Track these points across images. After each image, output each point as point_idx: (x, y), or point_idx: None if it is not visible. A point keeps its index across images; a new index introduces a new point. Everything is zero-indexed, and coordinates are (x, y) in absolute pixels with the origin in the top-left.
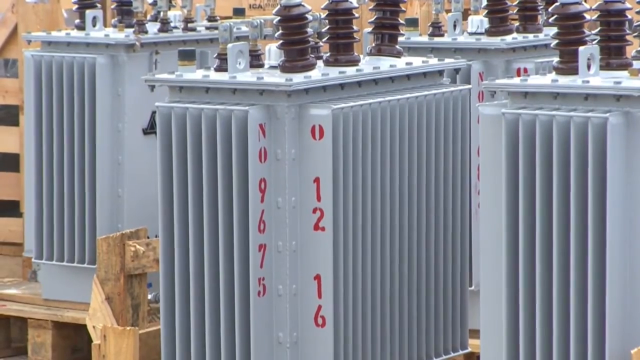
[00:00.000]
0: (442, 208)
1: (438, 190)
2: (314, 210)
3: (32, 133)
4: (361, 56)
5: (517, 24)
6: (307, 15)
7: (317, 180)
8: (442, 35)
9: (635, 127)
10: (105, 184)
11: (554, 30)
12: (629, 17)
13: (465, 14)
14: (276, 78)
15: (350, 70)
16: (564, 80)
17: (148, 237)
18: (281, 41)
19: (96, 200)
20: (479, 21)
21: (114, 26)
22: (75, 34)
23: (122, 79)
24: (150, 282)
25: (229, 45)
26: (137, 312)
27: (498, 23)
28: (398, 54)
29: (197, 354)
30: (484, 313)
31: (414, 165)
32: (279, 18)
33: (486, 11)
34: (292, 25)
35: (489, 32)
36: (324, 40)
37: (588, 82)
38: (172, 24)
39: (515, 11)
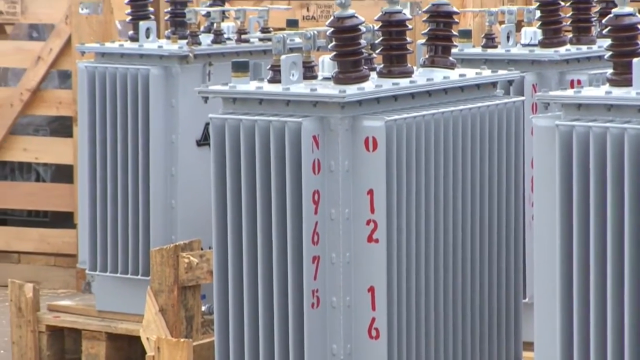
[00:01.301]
0: (496, 220)
1: (492, 202)
2: (368, 222)
3: (86, 144)
4: (414, 68)
5: (570, 35)
6: (360, 26)
7: (370, 192)
8: (496, 47)
9: None
10: (158, 195)
11: (607, 41)
12: None
13: (519, 26)
14: (329, 89)
15: (403, 82)
16: (618, 92)
17: (202, 249)
18: (334, 53)
19: (150, 212)
20: (532, 33)
21: (168, 37)
22: (129, 45)
23: (175, 90)
24: (204, 293)
25: (283, 57)
26: (191, 323)
27: (551, 34)
28: (451, 66)
29: None
30: (538, 325)
31: (467, 177)
32: (332, 29)
33: (539, 23)
34: (345, 37)
35: (543, 44)
36: (377, 51)
37: None
38: (225, 36)
39: (568, 23)
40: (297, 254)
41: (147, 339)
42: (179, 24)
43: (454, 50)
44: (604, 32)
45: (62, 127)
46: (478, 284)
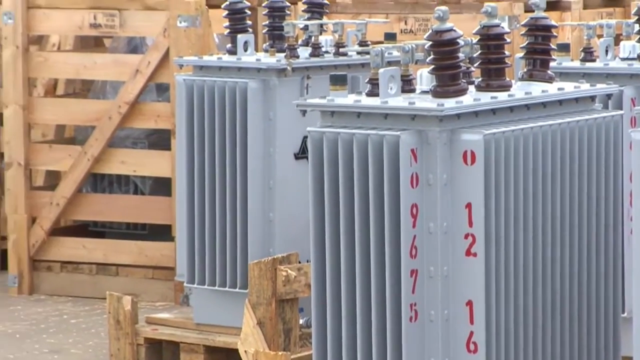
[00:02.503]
0: (595, 234)
1: (590, 217)
2: (466, 236)
3: (184, 157)
4: (513, 81)
5: None
6: (458, 40)
7: (468, 205)
8: (594, 61)
9: None
10: (256, 208)
11: None
12: None
13: (617, 39)
14: (428, 103)
15: (502, 96)
16: None
17: (299, 262)
18: (433, 66)
19: (248, 225)
20: (631, 47)
21: (266, 51)
22: (227, 58)
23: (273, 103)
24: (302, 307)
25: (381, 70)
26: (289, 336)
27: None
28: (550, 79)
29: None
30: (637, 339)
31: (565, 191)
32: (430, 43)
33: (638, 37)
34: (443, 50)
35: None
36: (475, 65)
37: None
38: (323, 49)
39: None
40: (395, 268)
41: (245, 351)
42: (277, 37)
43: (552, 64)
44: None
45: (160, 140)
46: (576, 297)
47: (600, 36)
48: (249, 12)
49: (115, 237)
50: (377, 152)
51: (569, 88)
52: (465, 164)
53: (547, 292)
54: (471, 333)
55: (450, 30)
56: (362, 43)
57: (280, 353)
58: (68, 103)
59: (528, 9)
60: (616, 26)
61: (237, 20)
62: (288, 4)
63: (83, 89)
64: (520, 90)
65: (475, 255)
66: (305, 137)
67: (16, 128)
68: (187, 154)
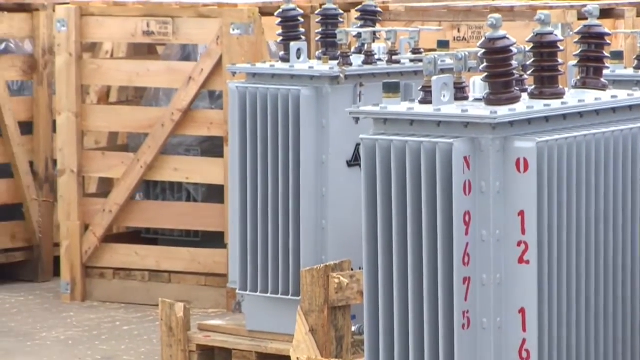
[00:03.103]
0: None
1: None
2: (519, 244)
3: (237, 164)
4: (566, 89)
5: None
6: (511, 47)
7: (521, 213)
8: None
9: None
10: (309, 215)
11: None
12: None
13: None
14: (481, 110)
15: (555, 103)
16: None
17: (352, 269)
18: (486, 74)
19: (300, 232)
20: None
21: (318, 58)
22: (280, 65)
23: (326, 110)
24: (354, 314)
25: (434, 78)
26: (341, 344)
27: None
28: (603, 87)
29: None
30: None
31: (618, 198)
32: (483, 51)
33: None
34: (496, 58)
35: None
36: (528, 73)
37: None
38: (376, 57)
39: None
40: (448, 275)
41: (298, 359)
42: (330, 45)
43: (605, 72)
44: None
45: (213, 147)
46: (629, 306)
47: None
48: (302, 19)
49: (167, 244)
50: (430, 159)
51: (623, 96)
52: (518, 172)
53: (600, 299)
54: (524, 340)
55: (504, 37)
56: (415, 51)
57: None
58: (121, 110)
59: (581, 17)
60: None
61: (290, 28)
62: (341, 11)
63: (136, 96)
64: (574, 98)
65: (528, 262)
66: (357, 145)
67: (69, 135)
68: (240, 161)
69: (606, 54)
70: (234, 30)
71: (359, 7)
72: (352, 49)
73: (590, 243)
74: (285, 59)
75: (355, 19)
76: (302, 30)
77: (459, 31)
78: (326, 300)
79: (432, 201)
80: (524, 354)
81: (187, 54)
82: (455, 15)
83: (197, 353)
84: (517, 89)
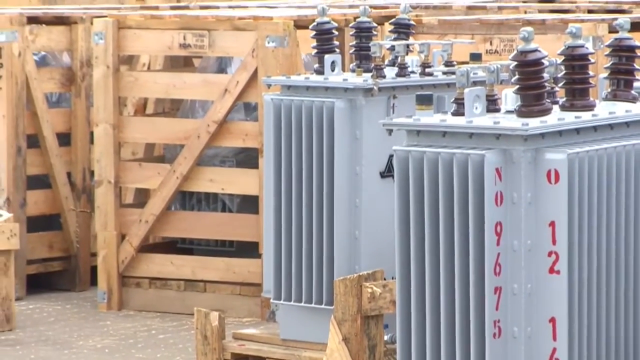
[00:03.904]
0: None
1: None
2: (549, 254)
3: (271, 175)
4: (597, 101)
5: None
6: (543, 60)
7: (552, 224)
8: None
9: None
10: (342, 226)
11: None
12: None
13: None
14: (512, 122)
15: (585, 115)
16: None
17: (384, 279)
18: (518, 86)
19: (334, 242)
20: None
21: (352, 70)
22: (314, 78)
23: (360, 122)
24: (387, 323)
25: (466, 90)
26: (374, 353)
27: None
28: (633, 100)
29: None
30: None
31: None
32: (515, 63)
33: None
34: (528, 71)
35: None
36: (559, 85)
37: None
38: (409, 69)
39: None
40: (479, 285)
41: None
42: (363, 57)
43: (636, 84)
44: None
45: (248, 158)
46: None
47: None
48: (336, 32)
49: (203, 254)
50: (462, 170)
51: None
52: (549, 183)
53: (630, 309)
54: (554, 350)
55: (535, 50)
56: (448, 63)
57: None
58: (157, 122)
59: (612, 30)
60: None
61: (325, 41)
62: (375, 24)
63: (172, 108)
64: (604, 110)
65: (558, 272)
66: (391, 156)
67: (106, 146)
68: (275, 172)
69: (637, 66)
70: (269, 43)
71: (393, 20)
72: (386, 62)
73: (620, 254)
74: (320, 72)
75: (389, 31)
76: (336, 43)
77: (491, 44)
78: (359, 310)
79: (464, 212)
80: None
81: (222, 66)
82: (487, 28)
83: None
84: (549, 101)
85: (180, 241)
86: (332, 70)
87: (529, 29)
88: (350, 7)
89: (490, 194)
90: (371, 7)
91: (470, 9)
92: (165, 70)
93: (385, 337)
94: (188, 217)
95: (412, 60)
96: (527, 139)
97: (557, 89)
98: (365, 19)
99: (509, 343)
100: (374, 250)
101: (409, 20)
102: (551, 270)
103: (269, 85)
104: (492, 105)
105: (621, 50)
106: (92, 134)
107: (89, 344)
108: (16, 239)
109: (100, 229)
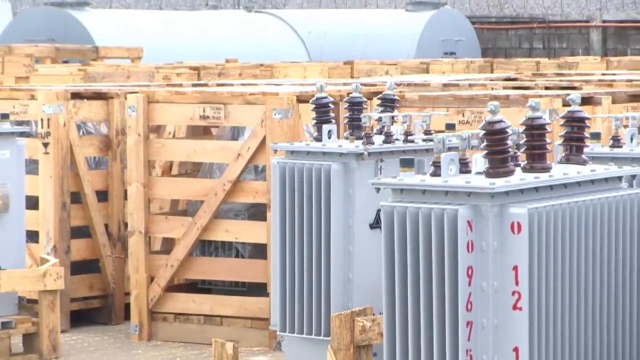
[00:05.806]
0: (628, 299)
1: (624, 282)
2: (513, 293)
3: (278, 227)
4: (553, 164)
5: None
6: (507, 129)
7: (515, 268)
8: (621, 147)
9: None
10: (338, 269)
11: None
12: None
13: None
14: (482, 182)
15: (543, 176)
16: None
17: (374, 314)
18: (486, 151)
19: (330, 283)
20: None
21: (346, 138)
22: (314, 144)
23: (352, 182)
24: (375, 352)
25: (442, 155)
26: None
27: None
28: (584, 163)
29: None
30: None
31: (597, 255)
32: (484, 132)
33: None
34: (495, 138)
35: None
36: (521, 150)
37: None
38: (394, 137)
39: None
40: (454, 319)
41: None
42: (355, 127)
43: (586, 150)
44: None
45: (257, 212)
46: (616, 348)
47: (626, 126)
48: (332, 106)
49: (220, 293)
50: (439, 223)
51: (600, 170)
52: (512, 233)
53: (588, 341)
54: None
55: (501, 121)
56: (427, 132)
57: None
58: (181, 181)
59: (566, 104)
60: None
61: (323, 113)
62: (365, 99)
63: (194, 169)
64: (559, 172)
65: (521, 309)
66: (379, 210)
67: (138, 202)
68: (280, 224)
69: (586, 134)
70: (275, 114)
71: (380, 95)
72: (374, 131)
73: (573, 293)
74: (319, 139)
75: (377, 105)
76: (332, 114)
77: (463, 115)
78: (352, 340)
79: (441, 257)
80: None
81: (236, 134)
82: (460, 103)
83: None
84: (512, 164)
85: (200, 282)
86: (329, 138)
87: (496, 103)
88: (344, 84)
89: (462, 243)
90: (362, 84)
91: (446, 86)
92: (188, 138)
93: None
94: (207, 262)
95: (397, 130)
96: (494, 196)
97: (519, 153)
98: (356, 94)
99: None
100: (364, 290)
101: (393, 95)
102: (514, 307)
103: (276, 151)
104: (464, 167)
105: (573, 121)
106: (126, 191)
107: None
108: (61, 281)
109: (132, 272)
